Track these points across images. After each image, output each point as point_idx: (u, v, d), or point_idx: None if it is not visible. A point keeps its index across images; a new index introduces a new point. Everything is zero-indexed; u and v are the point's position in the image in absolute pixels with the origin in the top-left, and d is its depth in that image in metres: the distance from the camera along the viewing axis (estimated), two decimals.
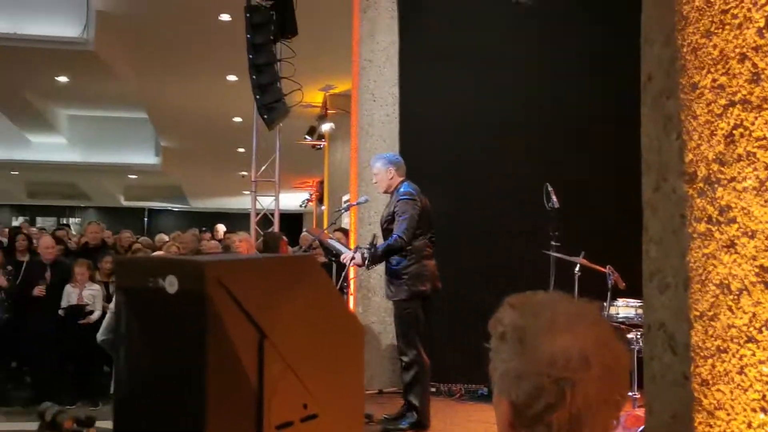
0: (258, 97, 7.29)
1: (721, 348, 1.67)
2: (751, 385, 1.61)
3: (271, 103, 7.35)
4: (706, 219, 1.74)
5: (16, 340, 7.24)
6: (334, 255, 6.56)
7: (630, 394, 4.73)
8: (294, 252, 9.21)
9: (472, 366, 6.15)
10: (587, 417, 1.08)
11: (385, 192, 5.57)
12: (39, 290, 7.00)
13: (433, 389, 6.29)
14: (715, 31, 1.75)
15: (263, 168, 8.53)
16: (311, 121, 14.13)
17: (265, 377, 1.75)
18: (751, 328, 1.62)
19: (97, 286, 7.20)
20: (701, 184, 1.76)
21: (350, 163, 7.54)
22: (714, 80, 1.75)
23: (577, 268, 5.36)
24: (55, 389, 7.03)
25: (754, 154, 1.65)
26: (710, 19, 1.76)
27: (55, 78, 12.37)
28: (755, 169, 1.64)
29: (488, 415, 5.25)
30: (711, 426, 1.68)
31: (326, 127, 13.45)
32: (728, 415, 1.65)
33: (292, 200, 21.16)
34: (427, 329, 5.41)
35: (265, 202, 8.90)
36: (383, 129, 6.90)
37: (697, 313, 1.74)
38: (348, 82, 8.61)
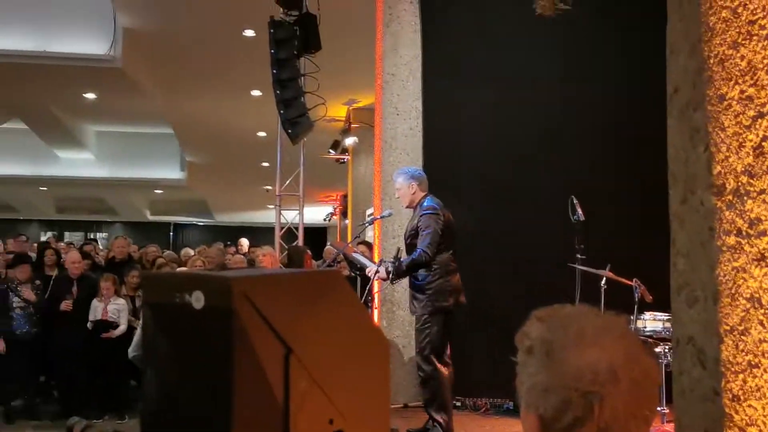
0: (282, 111, 7.33)
1: (753, 363, 1.65)
2: None
3: (295, 117, 7.39)
4: (735, 232, 1.72)
5: (44, 355, 7.31)
6: (358, 268, 6.57)
7: (659, 409, 4.67)
8: (318, 265, 9.24)
9: (497, 380, 6.11)
10: None
11: (408, 207, 5.58)
12: (66, 305, 7.07)
13: (458, 403, 6.26)
14: (743, 41, 1.74)
15: (287, 182, 8.57)
16: (335, 135, 14.19)
17: (291, 392, 1.75)
18: None
19: (122, 301, 7.26)
20: (730, 197, 1.74)
21: (374, 176, 7.55)
22: (742, 91, 1.73)
23: (603, 281, 5.31)
24: (82, 403, 7.09)
25: None
26: (737, 30, 1.75)
27: (83, 95, 12.56)
28: None
29: (514, 430, 5.21)
30: None
31: (350, 141, 13.51)
32: (760, 431, 1.62)
33: (316, 214, 21.24)
34: (451, 343, 5.39)
35: (290, 216, 8.94)
36: (406, 142, 6.91)
37: (728, 328, 1.71)
38: (371, 96, 8.65)
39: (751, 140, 1.70)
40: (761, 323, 1.63)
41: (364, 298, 6.25)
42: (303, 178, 8.44)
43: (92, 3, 9.76)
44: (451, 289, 5.25)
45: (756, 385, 1.63)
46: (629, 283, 5.19)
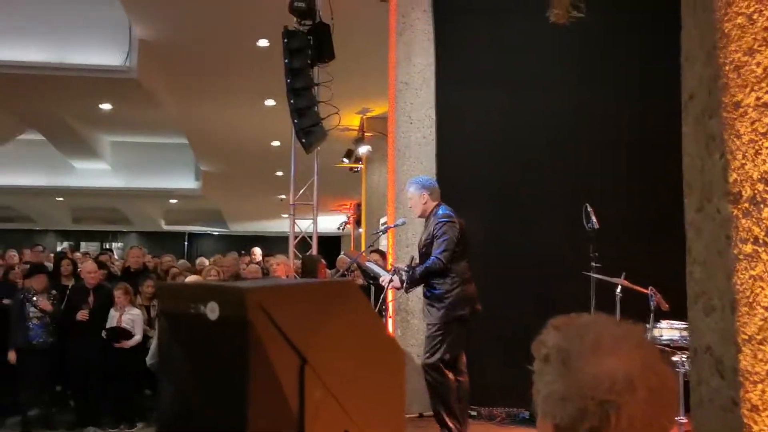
0: (296, 121, 7.35)
1: None
2: None
3: (308, 126, 7.40)
4: (752, 240, 1.70)
5: (61, 364, 7.35)
6: (372, 278, 6.56)
7: (677, 418, 4.63)
8: (332, 275, 9.24)
9: (513, 389, 6.08)
10: None
11: (420, 216, 5.57)
12: (82, 315, 7.12)
13: (474, 413, 6.23)
14: (758, 48, 1.73)
15: (301, 191, 8.58)
16: (348, 144, 14.22)
17: (306, 402, 1.75)
18: None
19: (136, 310, 7.30)
20: (746, 205, 1.73)
21: (387, 185, 7.55)
22: (758, 98, 1.72)
23: (618, 290, 5.28)
24: (97, 413, 7.13)
25: None
26: (753, 37, 1.74)
27: (99, 105, 12.67)
28: None
29: None
30: None
31: (363, 149, 13.52)
32: None
33: (330, 223, 21.28)
34: (467, 352, 5.37)
35: (304, 225, 8.95)
36: (420, 151, 6.91)
37: (746, 337, 1.70)
38: (385, 105, 8.66)
39: (767, 147, 1.68)
40: None
41: (378, 308, 6.25)
42: (317, 187, 8.44)
43: (108, 15, 9.85)
44: (468, 298, 5.24)
45: None
46: (645, 291, 5.16)
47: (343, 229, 22.00)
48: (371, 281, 6.94)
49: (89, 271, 7.51)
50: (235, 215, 25.69)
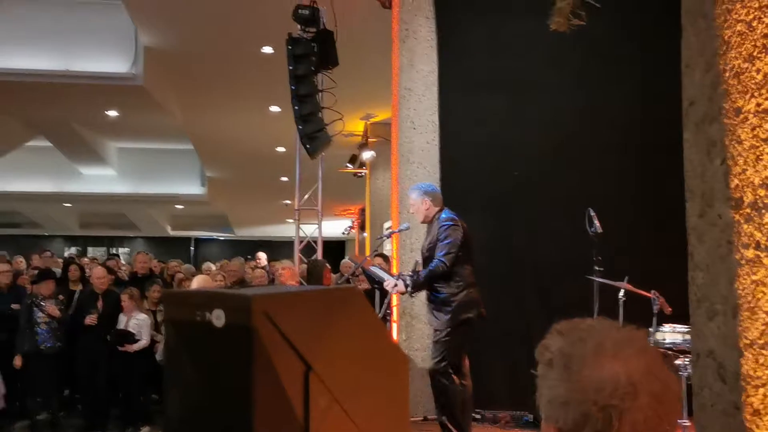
0: (300, 127, 7.38)
1: None
2: None
3: (313, 132, 7.43)
4: (754, 245, 1.71)
5: (69, 369, 7.38)
6: (376, 282, 6.57)
7: (680, 421, 4.63)
8: (336, 279, 9.25)
9: (516, 393, 6.08)
10: None
11: (423, 222, 5.59)
12: (90, 319, 7.14)
13: (478, 416, 6.23)
14: (758, 55, 1.74)
15: (306, 196, 8.61)
16: (353, 150, 14.24)
17: (311, 409, 1.77)
18: None
19: (143, 315, 7.32)
20: (748, 210, 1.74)
21: (391, 190, 7.56)
22: (758, 104, 1.73)
23: (621, 293, 5.28)
24: (105, 417, 7.15)
25: None
26: (752, 44, 1.75)
27: (105, 112, 12.72)
28: None
29: None
30: None
31: (367, 155, 13.54)
32: None
33: (334, 228, 21.31)
34: (469, 356, 5.38)
35: (309, 229, 8.98)
36: (423, 156, 6.93)
37: (748, 342, 1.71)
38: (388, 111, 8.67)
39: None
40: None
41: (382, 312, 6.27)
42: (321, 192, 8.47)
43: (114, 23, 9.90)
44: (473, 302, 5.25)
45: None
46: (648, 295, 5.16)
47: (347, 233, 22.02)
48: (376, 285, 6.95)
49: (99, 276, 7.53)
50: (241, 220, 25.73)
